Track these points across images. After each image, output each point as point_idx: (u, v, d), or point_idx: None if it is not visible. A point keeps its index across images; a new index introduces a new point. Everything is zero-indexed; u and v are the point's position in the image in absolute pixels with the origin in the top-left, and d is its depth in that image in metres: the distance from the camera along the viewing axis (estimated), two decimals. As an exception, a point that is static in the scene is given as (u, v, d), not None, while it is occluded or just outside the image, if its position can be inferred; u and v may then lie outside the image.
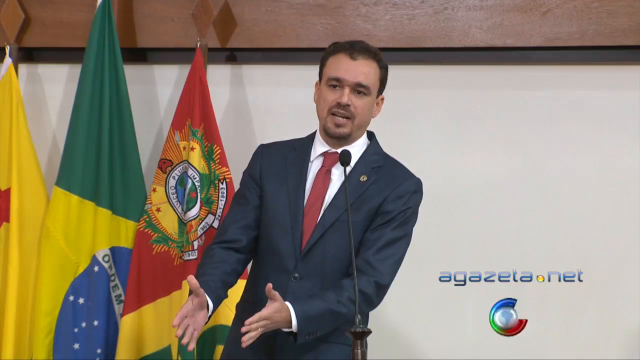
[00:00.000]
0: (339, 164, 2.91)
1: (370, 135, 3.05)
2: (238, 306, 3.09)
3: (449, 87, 3.94)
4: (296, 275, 2.92)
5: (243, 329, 2.74)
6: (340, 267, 2.88)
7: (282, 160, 3.01)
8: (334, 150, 2.97)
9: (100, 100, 3.92)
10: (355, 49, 2.93)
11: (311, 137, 3.05)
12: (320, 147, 2.99)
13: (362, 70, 2.92)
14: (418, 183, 3.02)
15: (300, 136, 3.11)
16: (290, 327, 2.80)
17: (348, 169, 2.90)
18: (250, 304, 2.96)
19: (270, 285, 2.77)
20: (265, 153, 3.06)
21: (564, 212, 3.86)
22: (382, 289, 2.93)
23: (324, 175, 2.97)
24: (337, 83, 2.92)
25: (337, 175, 2.96)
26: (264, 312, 2.76)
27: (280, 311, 2.78)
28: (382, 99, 3.03)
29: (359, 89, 2.92)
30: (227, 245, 2.99)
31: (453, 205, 3.90)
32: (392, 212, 2.95)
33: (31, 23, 4.13)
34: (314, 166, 2.99)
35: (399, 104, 3.94)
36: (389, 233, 2.94)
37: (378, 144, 3.06)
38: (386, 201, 2.95)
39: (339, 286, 2.87)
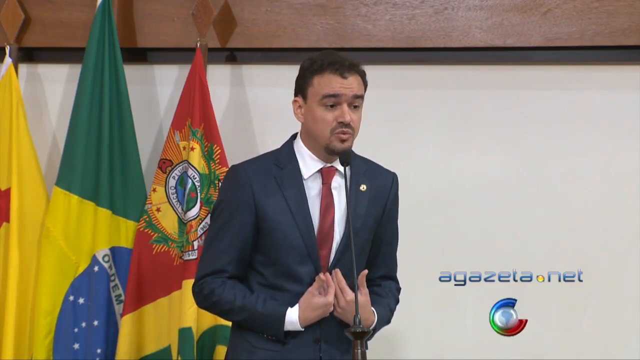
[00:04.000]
0: (335, 177, 2.91)
1: None
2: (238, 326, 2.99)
3: (449, 87, 3.94)
4: None
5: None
6: (352, 282, 2.83)
7: (271, 180, 2.92)
8: (329, 164, 2.94)
9: (100, 100, 3.91)
10: (344, 67, 2.87)
11: (291, 151, 2.97)
12: (313, 163, 2.93)
13: (354, 85, 2.88)
14: (397, 177, 3.05)
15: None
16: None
17: (345, 180, 2.89)
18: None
19: (365, 271, 2.83)
20: (251, 175, 2.92)
21: (564, 212, 3.87)
22: (400, 292, 3.09)
23: (327, 192, 2.93)
24: (333, 101, 2.87)
25: (337, 190, 2.93)
26: (358, 297, 2.79)
27: (367, 309, 2.85)
28: None
29: (355, 103, 2.89)
30: (230, 278, 2.93)
31: (453, 205, 3.90)
32: (394, 216, 3.03)
33: (31, 23, 4.13)
34: (312, 184, 2.93)
35: (399, 104, 3.94)
36: (395, 235, 3.05)
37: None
38: (387, 208, 2.99)
39: (384, 293, 2.99)
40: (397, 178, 3.04)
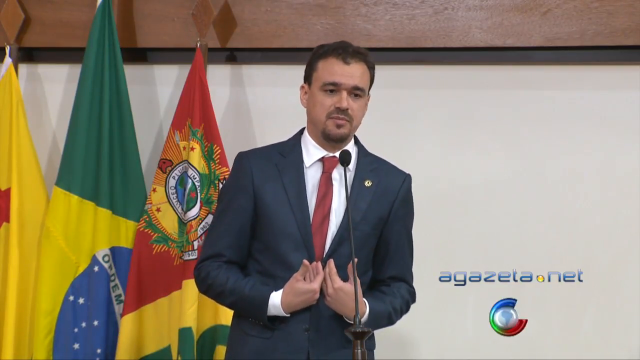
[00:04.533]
0: (337, 168, 2.92)
1: (355, 139, 3.04)
2: (238, 316, 3.01)
3: (449, 87, 3.94)
4: None
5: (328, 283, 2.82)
6: (348, 274, 2.84)
7: (272, 167, 2.95)
8: (332, 154, 2.95)
9: (100, 100, 3.92)
10: (348, 52, 2.91)
11: (297, 142, 3.00)
12: (315, 152, 2.95)
13: (356, 73, 2.91)
14: (410, 178, 3.04)
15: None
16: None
17: (348, 173, 2.90)
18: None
19: (355, 260, 2.78)
20: (253, 161, 2.97)
21: (564, 212, 3.87)
22: (415, 296, 3.05)
23: (326, 181, 2.94)
24: (333, 88, 2.89)
25: (338, 181, 2.93)
26: (347, 286, 2.79)
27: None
28: (369, 97, 3.01)
29: (355, 92, 2.90)
30: (227, 262, 2.96)
31: (453, 205, 3.91)
32: (404, 217, 3.01)
33: (31, 23, 4.13)
34: (312, 172, 2.95)
35: (399, 104, 3.94)
36: (405, 236, 3.02)
37: (363, 145, 3.05)
38: (395, 207, 2.97)
39: (390, 292, 2.96)
40: (409, 179, 3.02)
